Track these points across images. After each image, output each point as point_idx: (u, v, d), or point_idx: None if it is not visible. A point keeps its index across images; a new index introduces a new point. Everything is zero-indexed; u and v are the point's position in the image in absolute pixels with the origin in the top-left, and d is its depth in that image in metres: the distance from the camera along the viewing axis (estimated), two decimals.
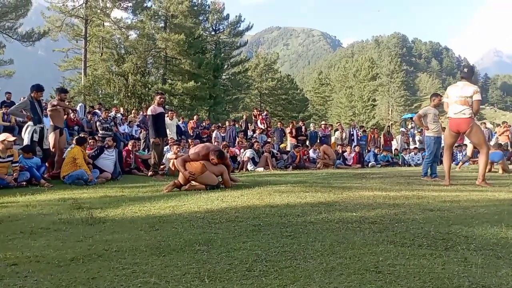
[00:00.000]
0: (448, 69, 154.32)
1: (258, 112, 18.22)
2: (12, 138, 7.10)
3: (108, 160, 8.69)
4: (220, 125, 17.30)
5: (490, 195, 5.17)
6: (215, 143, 13.30)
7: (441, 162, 15.18)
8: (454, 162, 14.46)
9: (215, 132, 15.33)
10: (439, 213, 3.85)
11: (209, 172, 6.09)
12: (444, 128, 7.71)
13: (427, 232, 3.01)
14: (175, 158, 9.47)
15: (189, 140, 12.78)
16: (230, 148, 12.89)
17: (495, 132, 16.84)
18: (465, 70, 6.85)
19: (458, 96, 6.49)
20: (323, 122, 18.63)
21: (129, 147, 10.30)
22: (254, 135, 15.86)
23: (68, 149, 9.00)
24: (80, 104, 16.72)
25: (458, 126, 6.56)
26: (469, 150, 11.94)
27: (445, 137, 7.00)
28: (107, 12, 30.41)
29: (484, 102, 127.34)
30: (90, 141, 9.61)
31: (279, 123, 18.71)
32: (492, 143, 15.00)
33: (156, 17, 33.54)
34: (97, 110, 15.72)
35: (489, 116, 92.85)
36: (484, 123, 20.59)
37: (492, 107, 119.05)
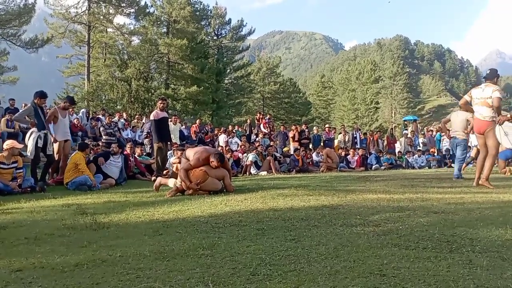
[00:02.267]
0: (451, 71, 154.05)
1: (261, 116, 18.23)
2: (19, 146, 7.15)
3: (114, 166, 8.73)
4: (225, 128, 17.33)
5: (495, 197, 5.15)
6: (219, 148, 13.32)
7: (445, 164, 15.09)
8: None
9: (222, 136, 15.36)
10: (444, 215, 3.83)
11: (212, 178, 6.08)
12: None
13: (432, 234, 3.00)
14: (179, 163, 9.50)
15: (186, 145, 12.82)
16: (234, 152, 12.91)
17: None
18: (488, 71, 6.97)
19: (479, 98, 6.66)
20: (326, 125, 18.64)
21: (128, 150, 10.31)
22: (257, 139, 15.88)
23: (72, 155, 9.05)
24: (82, 110, 16.77)
25: (479, 127, 6.74)
26: (473, 152, 11.85)
27: (476, 138, 7.26)
28: (110, 18, 30.59)
29: None
30: (94, 148, 9.66)
31: (282, 126, 18.72)
32: None
33: (158, 22, 33.72)
34: (100, 116, 15.79)
35: None
36: None
37: None
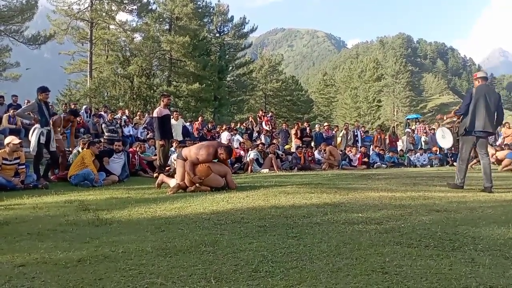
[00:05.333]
0: (454, 70, 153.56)
1: (263, 114, 18.21)
2: (17, 141, 7.14)
3: (116, 163, 8.72)
4: (228, 126, 17.30)
5: (497, 196, 5.15)
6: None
7: (447, 163, 15.05)
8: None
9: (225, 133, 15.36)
10: (446, 213, 3.83)
11: (214, 174, 6.09)
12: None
13: (434, 232, 3.00)
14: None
15: (188, 142, 12.81)
16: (236, 150, 12.90)
17: (502, 132, 16.72)
18: None
19: None
20: (325, 124, 18.57)
21: (135, 148, 10.37)
22: (259, 136, 15.88)
23: (75, 151, 9.06)
24: (84, 107, 16.79)
25: None
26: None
27: None
28: (112, 15, 30.56)
29: None
30: (96, 144, 9.67)
31: (284, 124, 18.67)
32: (498, 143, 14.90)
33: (161, 19, 33.67)
34: (102, 113, 15.79)
35: None
36: None
37: None
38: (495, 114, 6.02)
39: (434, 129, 20.47)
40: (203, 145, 6.36)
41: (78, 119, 9.71)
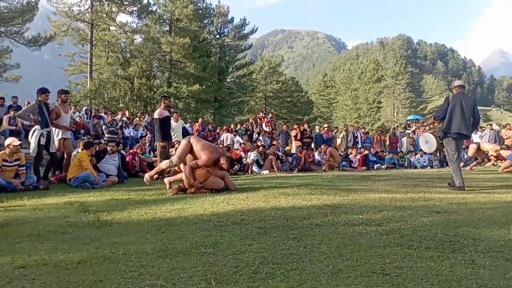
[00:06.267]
0: (454, 71, 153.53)
1: (263, 115, 18.21)
2: (17, 143, 7.13)
3: (110, 164, 8.68)
4: (232, 127, 17.31)
5: (498, 197, 5.15)
6: (221, 145, 13.31)
7: (447, 164, 15.07)
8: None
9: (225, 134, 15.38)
10: (446, 215, 3.83)
11: (214, 177, 6.08)
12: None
13: (434, 234, 3.00)
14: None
15: None
16: (234, 150, 12.90)
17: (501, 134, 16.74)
18: None
19: None
20: (325, 125, 18.57)
21: (135, 149, 10.37)
22: (259, 138, 15.88)
23: (74, 152, 9.06)
24: (84, 108, 16.81)
25: None
26: (470, 151, 11.93)
27: None
28: (113, 16, 30.60)
29: (491, 103, 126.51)
30: (97, 145, 9.66)
31: (284, 125, 18.64)
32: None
33: (161, 21, 33.71)
34: (102, 114, 15.81)
35: (495, 117, 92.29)
36: (491, 124, 20.51)
37: (498, 108, 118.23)
38: (471, 118, 6.55)
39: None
40: (208, 148, 6.26)
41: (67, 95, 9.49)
